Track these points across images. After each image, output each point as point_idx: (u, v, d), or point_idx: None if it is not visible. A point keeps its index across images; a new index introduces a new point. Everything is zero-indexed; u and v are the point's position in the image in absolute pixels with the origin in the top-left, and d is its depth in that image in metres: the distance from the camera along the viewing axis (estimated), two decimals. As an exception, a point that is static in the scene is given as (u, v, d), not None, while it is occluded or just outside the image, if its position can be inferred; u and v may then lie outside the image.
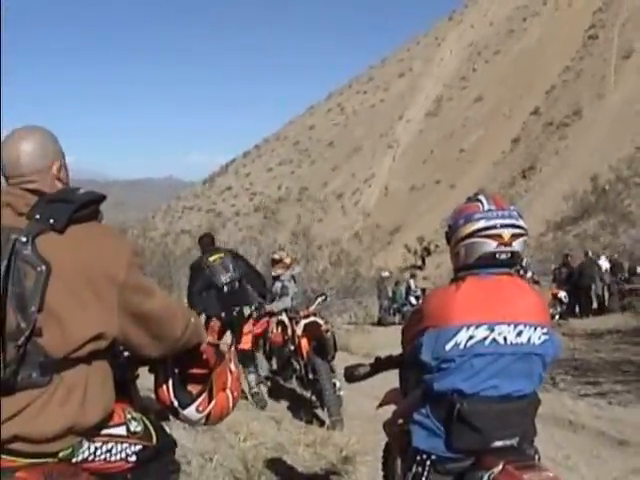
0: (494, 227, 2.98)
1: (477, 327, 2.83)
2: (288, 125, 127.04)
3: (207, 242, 9.15)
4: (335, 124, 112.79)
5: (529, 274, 22.44)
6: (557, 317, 20.51)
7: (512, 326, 2.86)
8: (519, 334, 2.87)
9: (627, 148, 61.17)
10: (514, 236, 2.99)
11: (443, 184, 78.51)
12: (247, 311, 8.91)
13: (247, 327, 8.88)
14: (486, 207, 3.05)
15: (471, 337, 2.83)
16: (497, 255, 2.98)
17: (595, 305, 22.07)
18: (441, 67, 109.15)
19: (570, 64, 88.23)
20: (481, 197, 3.15)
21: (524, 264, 22.80)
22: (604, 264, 23.00)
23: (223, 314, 8.60)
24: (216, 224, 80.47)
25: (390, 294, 26.67)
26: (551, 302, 20.75)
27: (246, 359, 8.69)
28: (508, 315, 2.88)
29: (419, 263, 55.79)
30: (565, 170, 63.76)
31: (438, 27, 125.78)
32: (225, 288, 8.67)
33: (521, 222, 3.03)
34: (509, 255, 2.99)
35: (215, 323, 8.46)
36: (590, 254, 23.65)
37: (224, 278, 8.68)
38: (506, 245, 2.97)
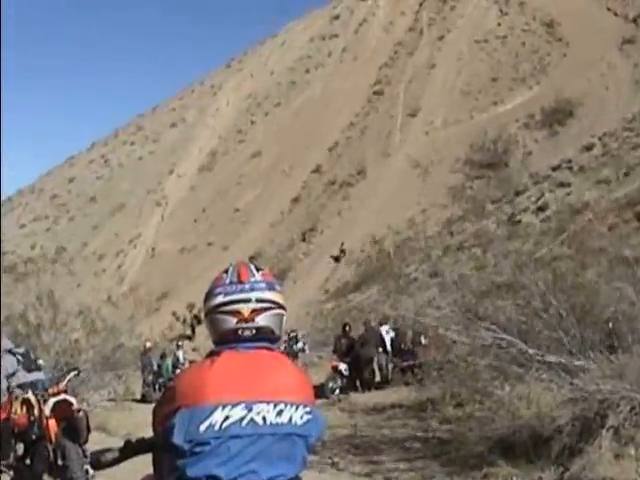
0: (231, 303, 3.04)
1: (233, 406, 2.85)
2: (45, 177, 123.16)
3: None
4: (98, 177, 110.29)
5: (300, 344, 22.97)
6: (337, 391, 20.96)
7: (272, 405, 2.90)
8: (279, 413, 2.91)
9: (412, 210, 63.80)
10: (256, 311, 3.05)
11: (216, 246, 78.41)
12: None
13: None
14: (227, 280, 3.12)
15: (227, 417, 2.84)
16: (239, 332, 3.04)
17: (378, 378, 22.66)
18: (217, 118, 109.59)
19: (355, 120, 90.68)
20: (229, 267, 3.21)
21: (297, 335, 23.33)
22: (387, 334, 23.65)
23: None
24: (-42, 285, 76.68)
25: (155, 367, 26.37)
26: (331, 375, 21.21)
27: None
28: (268, 393, 2.91)
29: (188, 333, 55.56)
30: (348, 233, 65.54)
31: (214, 75, 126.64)
32: None
33: (268, 294, 3.10)
34: (253, 331, 3.05)
35: None
36: (372, 323, 24.34)
37: None
38: (247, 321, 3.04)
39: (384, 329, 23.94)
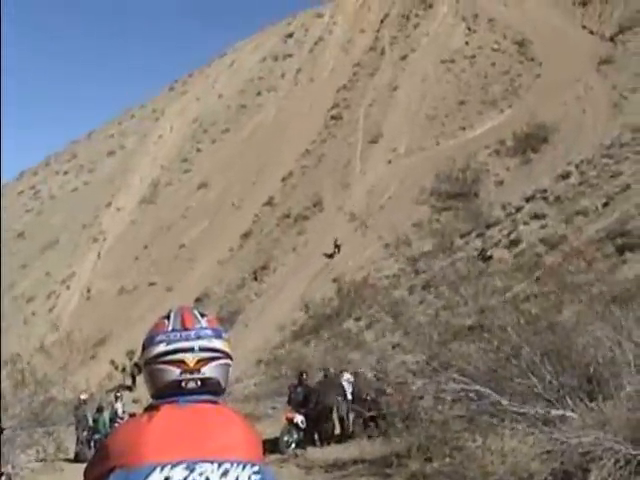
0: (175, 352, 3.00)
1: (173, 467, 2.78)
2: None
3: None
4: (27, 210, 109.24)
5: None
6: (293, 446, 20.84)
7: (216, 465, 2.84)
8: (225, 474, 2.84)
9: (374, 245, 63.88)
10: (202, 361, 3.02)
11: (159, 286, 77.72)
12: None
13: None
14: (170, 327, 3.08)
15: (167, 479, 2.79)
16: (183, 383, 3.00)
17: (338, 430, 22.56)
18: (159, 146, 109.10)
19: (310, 147, 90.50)
20: (171, 312, 3.18)
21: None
22: (348, 382, 23.57)
23: None
24: None
25: (91, 422, 26.07)
26: (286, 428, 21.09)
27: None
28: (211, 451, 2.85)
29: (128, 382, 54.92)
30: (304, 270, 65.34)
31: (156, 98, 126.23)
32: None
33: (216, 343, 3.07)
34: (198, 383, 3.01)
35: None
36: (332, 370, 24.25)
37: None
38: (192, 372, 3.00)
39: (344, 377, 23.87)
